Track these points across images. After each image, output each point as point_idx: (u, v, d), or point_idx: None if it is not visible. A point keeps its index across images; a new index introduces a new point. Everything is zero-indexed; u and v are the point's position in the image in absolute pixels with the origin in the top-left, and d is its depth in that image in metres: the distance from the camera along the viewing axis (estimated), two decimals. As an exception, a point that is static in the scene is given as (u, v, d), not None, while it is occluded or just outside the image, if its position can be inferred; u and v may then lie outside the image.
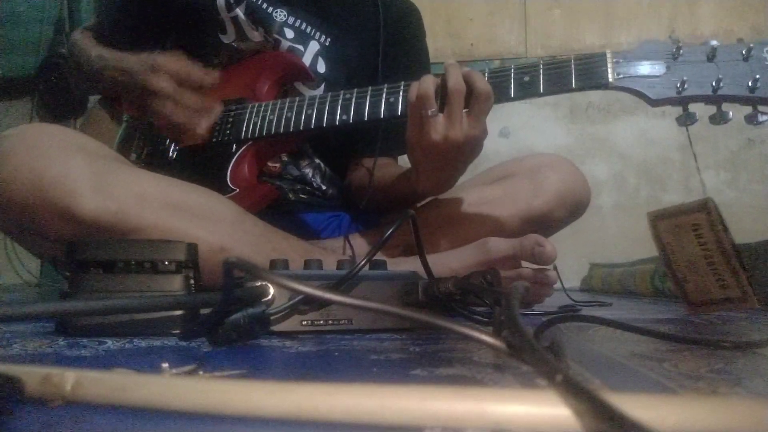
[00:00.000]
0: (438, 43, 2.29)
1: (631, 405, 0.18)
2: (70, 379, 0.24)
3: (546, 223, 0.88)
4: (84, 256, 0.51)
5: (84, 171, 0.64)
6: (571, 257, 1.77)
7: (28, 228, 0.67)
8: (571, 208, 0.89)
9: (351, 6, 1.04)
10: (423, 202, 0.93)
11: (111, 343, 0.45)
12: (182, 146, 0.91)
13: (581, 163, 1.00)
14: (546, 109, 2.30)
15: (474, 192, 0.91)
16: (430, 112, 0.70)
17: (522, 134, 2.29)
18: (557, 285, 0.80)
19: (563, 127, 2.29)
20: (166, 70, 0.83)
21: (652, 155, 2.23)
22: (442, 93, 0.71)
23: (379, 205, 0.97)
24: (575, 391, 0.18)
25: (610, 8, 2.30)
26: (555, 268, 0.78)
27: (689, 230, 0.57)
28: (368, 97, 0.78)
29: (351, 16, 1.04)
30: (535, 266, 0.77)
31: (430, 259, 0.59)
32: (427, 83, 0.71)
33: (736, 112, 0.65)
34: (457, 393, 0.20)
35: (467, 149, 0.72)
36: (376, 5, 1.04)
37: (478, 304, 0.56)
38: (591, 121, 2.28)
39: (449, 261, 0.80)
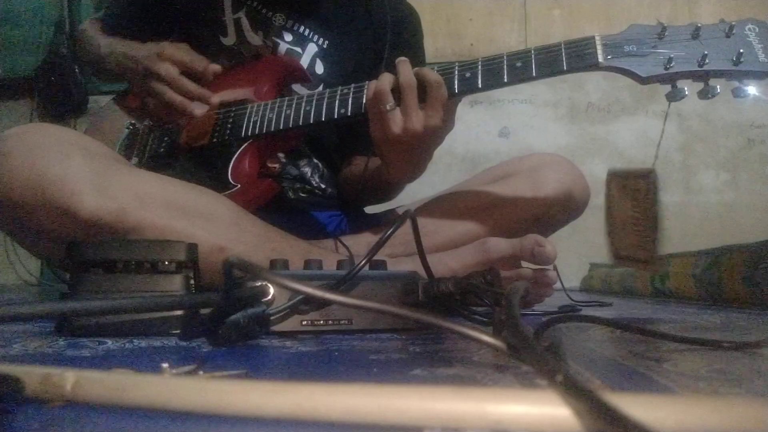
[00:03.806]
0: (438, 43, 2.29)
1: (631, 405, 0.18)
2: (70, 379, 0.24)
3: (546, 222, 0.88)
4: (84, 256, 0.51)
5: (84, 171, 0.64)
6: (571, 257, 1.77)
7: (29, 227, 0.67)
8: (571, 207, 0.89)
9: (348, 9, 1.05)
10: (422, 203, 0.93)
11: (111, 343, 0.45)
12: (182, 141, 0.92)
13: (581, 163, 1.00)
14: (546, 109, 2.30)
15: (474, 191, 0.91)
16: (388, 107, 0.74)
17: (522, 134, 2.29)
18: (557, 285, 0.80)
19: (563, 127, 2.29)
20: (170, 56, 0.91)
21: (652, 155, 2.22)
22: (398, 89, 0.74)
23: (361, 197, 1.04)
24: (575, 391, 0.18)
25: (610, 8, 2.30)
26: (555, 268, 0.78)
27: (630, 193, 0.60)
28: (365, 91, 0.79)
29: (348, 20, 1.05)
30: (535, 266, 0.77)
31: (430, 259, 0.59)
32: (383, 81, 0.74)
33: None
34: (457, 393, 0.20)
35: (428, 139, 0.76)
36: (374, 9, 1.05)
37: (478, 304, 0.56)
38: (591, 121, 2.28)
39: (449, 261, 0.80)
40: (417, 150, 0.78)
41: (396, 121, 0.74)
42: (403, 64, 0.74)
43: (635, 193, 0.60)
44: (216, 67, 0.94)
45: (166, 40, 1.04)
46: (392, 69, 0.76)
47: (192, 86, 0.92)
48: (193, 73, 0.92)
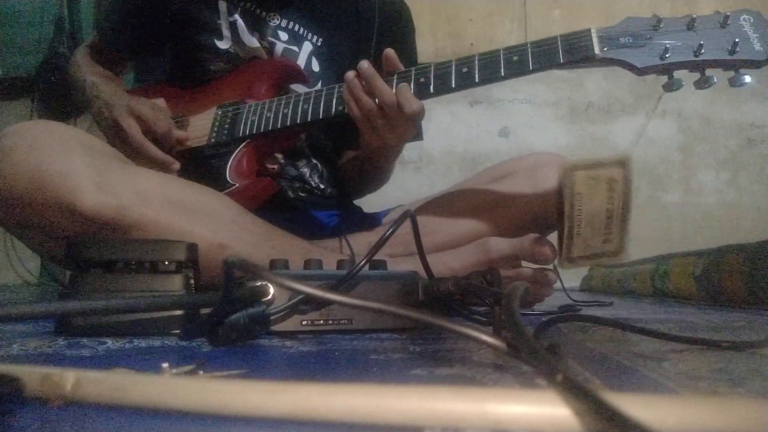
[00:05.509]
0: (438, 43, 2.29)
1: (631, 405, 0.18)
2: (70, 379, 0.24)
3: (545, 221, 0.87)
4: (84, 256, 0.51)
5: (85, 167, 0.64)
6: (571, 257, 1.76)
7: (30, 224, 0.67)
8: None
9: (341, 6, 1.06)
10: (422, 202, 0.93)
11: (111, 343, 0.45)
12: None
13: (581, 163, 1.00)
14: (546, 109, 2.30)
15: (473, 191, 0.91)
16: (379, 122, 0.76)
17: (522, 134, 2.29)
18: (557, 285, 0.80)
19: (563, 127, 2.29)
20: (137, 113, 0.88)
21: (652, 155, 2.23)
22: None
23: (361, 186, 1.10)
24: (575, 391, 0.18)
25: (610, 8, 2.30)
26: (555, 268, 0.78)
27: (603, 184, 0.59)
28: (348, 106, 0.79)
29: (341, 16, 1.05)
30: (535, 266, 0.77)
31: (430, 258, 0.59)
32: (366, 103, 0.76)
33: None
34: (457, 393, 0.20)
35: (414, 127, 0.80)
36: (364, 4, 1.05)
37: (478, 304, 0.56)
38: (591, 121, 2.28)
39: (449, 261, 0.80)
40: (405, 140, 0.83)
41: (388, 134, 0.77)
42: (374, 80, 0.75)
43: (611, 183, 0.59)
44: (181, 135, 0.92)
45: (159, 52, 1.05)
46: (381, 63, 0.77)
47: (153, 152, 0.88)
48: (156, 133, 0.89)
